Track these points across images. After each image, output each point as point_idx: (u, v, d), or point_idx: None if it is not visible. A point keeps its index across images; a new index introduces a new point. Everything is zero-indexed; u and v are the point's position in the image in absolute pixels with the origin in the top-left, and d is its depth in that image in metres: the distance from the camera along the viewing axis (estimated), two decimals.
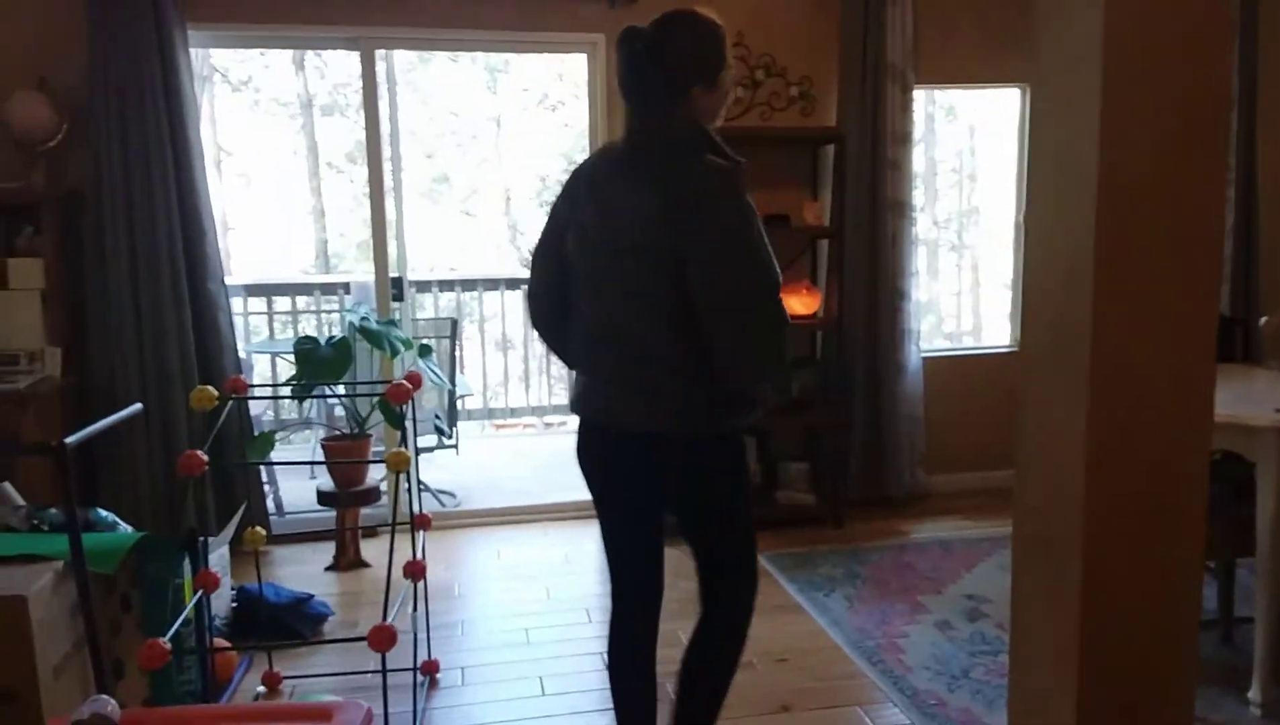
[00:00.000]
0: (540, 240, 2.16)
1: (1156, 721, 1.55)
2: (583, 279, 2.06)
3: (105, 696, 1.98)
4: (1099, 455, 1.62)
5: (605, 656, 2.39)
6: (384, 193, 4.30)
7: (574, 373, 2.18)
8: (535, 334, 2.29)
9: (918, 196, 4.58)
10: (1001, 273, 5.26)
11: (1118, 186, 1.55)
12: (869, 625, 3.29)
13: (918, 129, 4.62)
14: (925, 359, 4.66)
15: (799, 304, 4.43)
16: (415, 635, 2.74)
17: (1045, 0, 1.68)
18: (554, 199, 2.17)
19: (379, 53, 4.28)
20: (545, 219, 2.18)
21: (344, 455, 3.91)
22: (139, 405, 2.65)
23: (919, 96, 4.65)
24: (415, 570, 2.71)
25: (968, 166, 7.32)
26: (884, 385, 4.57)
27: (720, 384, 1.97)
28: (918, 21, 4.43)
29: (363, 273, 4.95)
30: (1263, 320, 3.72)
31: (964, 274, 7.37)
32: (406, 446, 2.60)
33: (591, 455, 2.21)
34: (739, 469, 2.13)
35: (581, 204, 2.06)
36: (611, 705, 2.23)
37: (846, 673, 2.97)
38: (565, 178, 2.15)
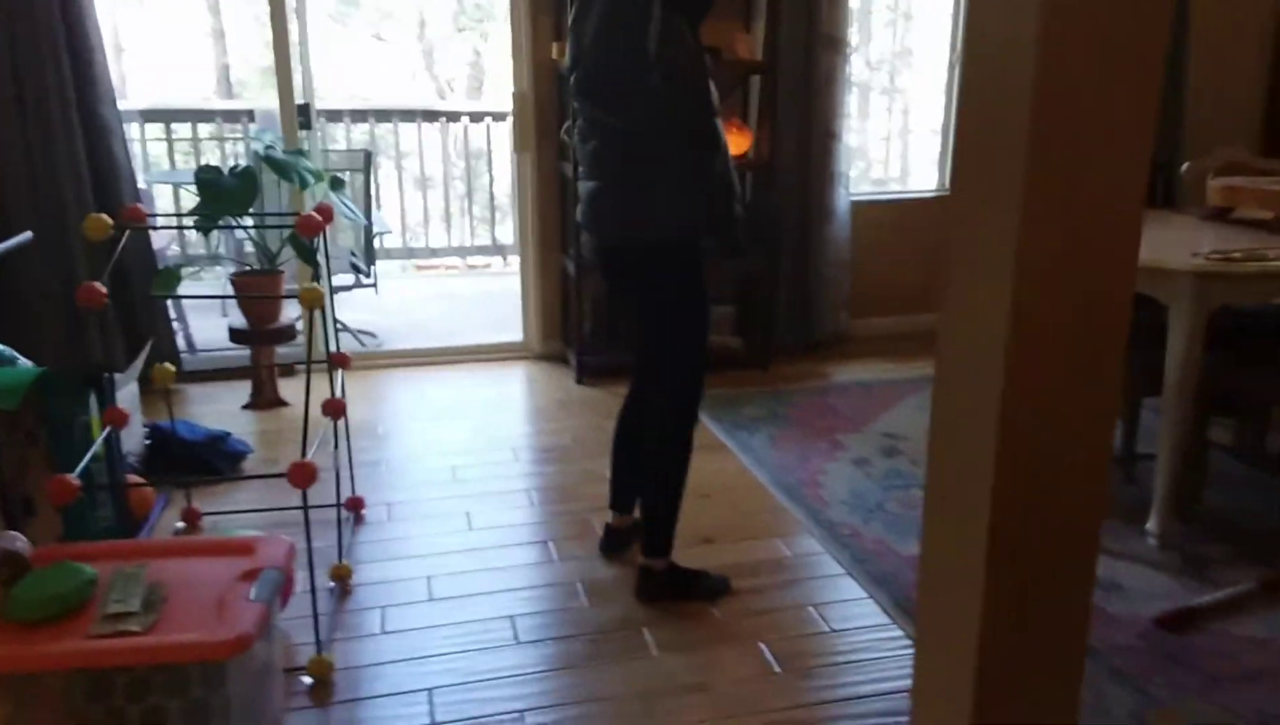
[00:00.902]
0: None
1: (1069, 547, 1.61)
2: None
3: (14, 533, 1.91)
4: (1026, 288, 1.60)
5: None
6: (286, 13, 3.98)
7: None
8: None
9: (853, 35, 4.43)
10: (932, 118, 5.19)
11: (1058, 9, 1.48)
12: (790, 463, 3.37)
13: None
14: (853, 203, 4.63)
15: (729, 143, 4.32)
16: (338, 472, 2.71)
17: None
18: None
19: None
20: None
21: (255, 291, 3.76)
22: (28, 233, 2.47)
23: None
24: (334, 408, 2.64)
25: (903, 5, 7.13)
26: (812, 229, 4.55)
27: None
28: None
29: (268, 101, 4.65)
30: (1184, 166, 3.76)
31: (894, 118, 7.29)
32: (320, 282, 2.49)
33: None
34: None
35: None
36: None
37: (767, 507, 3.05)
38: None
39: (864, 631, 2.36)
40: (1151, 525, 2.78)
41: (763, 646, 2.29)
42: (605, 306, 4.42)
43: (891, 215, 4.85)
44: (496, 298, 5.44)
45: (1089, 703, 2.07)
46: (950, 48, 4.87)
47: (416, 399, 4.05)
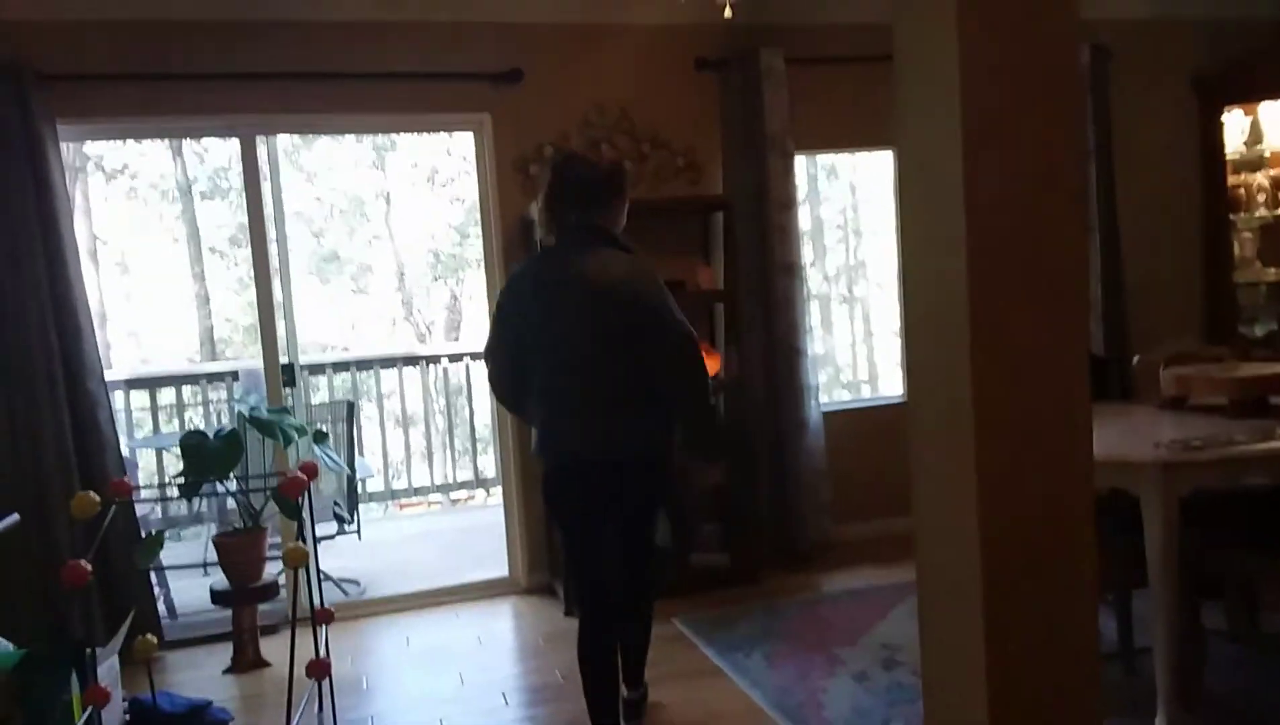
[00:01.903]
0: (495, 336, 2.85)
1: None
2: (550, 353, 2.73)
3: None
4: (990, 497, 1.67)
5: (579, 648, 2.81)
6: (270, 276, 4.21)
7: (541, 425, 2.79)
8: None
9: (807, 253, 4.72)
10: (892, 322, 5.43)
11: (983, 240, 1.63)
12: (789, 683, 3.29)
13: (802, 190, 4.80)
14: (825, 413, 4.76)
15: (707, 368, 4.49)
16: None
17: (905, 65, 1.76)
18: (501, 302, 2.85)
19: (260, 137, 4.21)
20: (493, 321, 2.88)
21: (238, 551, 3.75)
22: (15, 516, 2.50)
23: (801, 160, 4.81)
24: (318, 669, 2.60)
25: (852, 222, 7.60)
26: (787, 441, 4.65)
27: (672, 417, 2.79)
28: (792, 96, 4.57)
29: (251, 358, 4.82)
30: (1135, 359, 3.93)
31: (856, 325, 7.60)
32: (304, 539, 2.51)
33: (571, 484, 2.79)
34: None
35: (532, 300, 2.75)
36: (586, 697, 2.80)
37: None
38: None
39: None
40: (1160, 720, 2.71)
41: None
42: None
43: (863, 421, 4.97)
44: (480, 532, 5.42)
45: None
46: (899, 259, 5.16)
47: (401, 647, 3.96)
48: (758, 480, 4.61)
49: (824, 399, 4.81)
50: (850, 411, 5.01)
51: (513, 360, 2.80)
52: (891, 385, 5.48)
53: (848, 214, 8.42)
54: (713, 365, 4.50)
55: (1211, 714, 2.80)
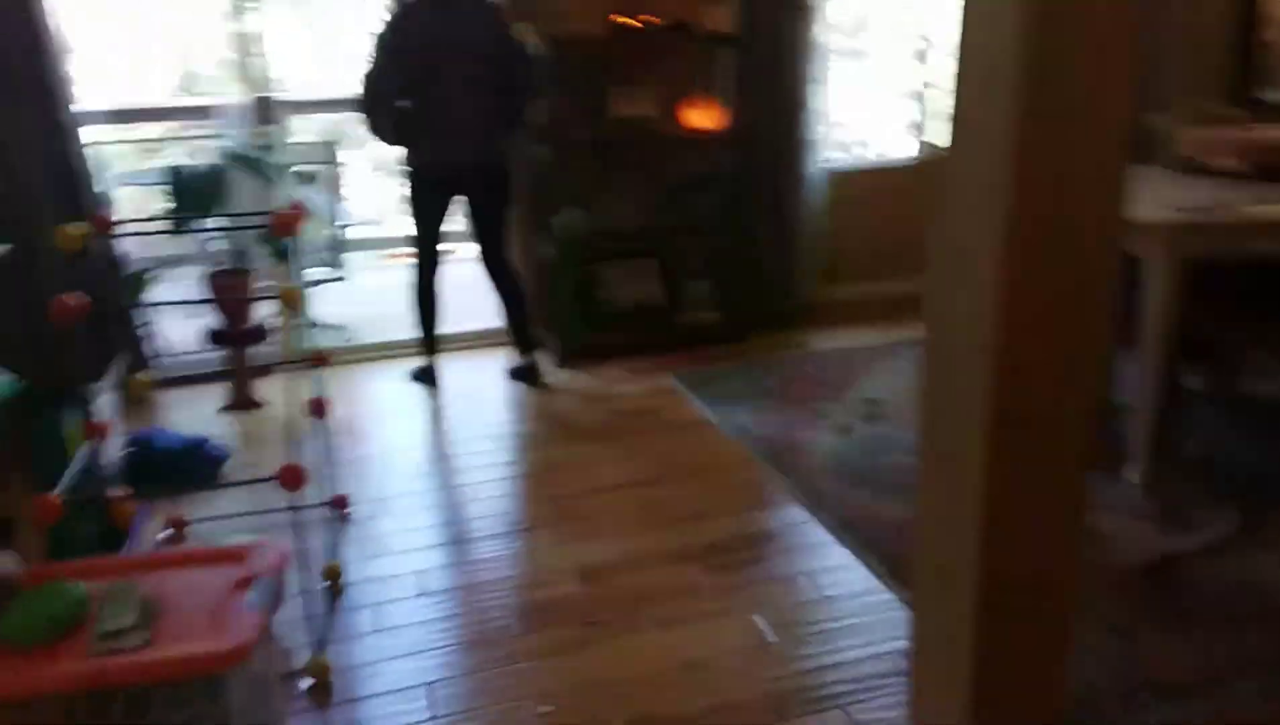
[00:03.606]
0: (379, 66, 3.48)
1: (1061, 498, 1.63)
2: (425, 73, 3.49)
3: (3, 553, 1.89)
4: (1017, 250, 1.61)
5: (414, 295, 3.88)
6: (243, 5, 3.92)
7: (416, 146, 3.62)
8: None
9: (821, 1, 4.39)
10: (905, 82, 5.16)
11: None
12: (774, 434, 3.38)
13: None
14: (826, 171, 4.62)
15: (701, 117, 4.30)
16: (320, 472, 2.70)
17: None
18: (384, 37, 3.49)
19: None
20: (379, 52, 3.49)
21: (229, 291, 3.72)
22: (7, 245, 2.42)
23: None
24: (319, 408, 2.63)
25: None
26: (785, 198, 4.54)
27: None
28: None
29: (224, 97, 4.57)
30: (1153, 118, 3.77)
31: (860, 82, 7.24)
32: (295, 280, 2.46)
33: (441, 182, 3.69)
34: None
35: (418, 29, 3.48)
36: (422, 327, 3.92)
37: (755, 479, 3.07)
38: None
39: (856, 597, 2.39)
40: (1131, 472, 2.81)
41: (757, 618, 2.31)
42: (582, 290, 4.41)
43: (865, 182, 4.84)
44: (469, 285, 5.39)
45: (1076, 653, 2.11)
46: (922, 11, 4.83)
47: (389, 392, 4.03)
48: (753, 239, 4.54)
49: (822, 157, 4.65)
50: (850, 172, 4.86)
51: (390, 87, 3.49)
52: (893, 148, 5.27)
53: None
54: (715, 117, 4.31)
55: (1182, 472, 2.91)
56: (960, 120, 1.70)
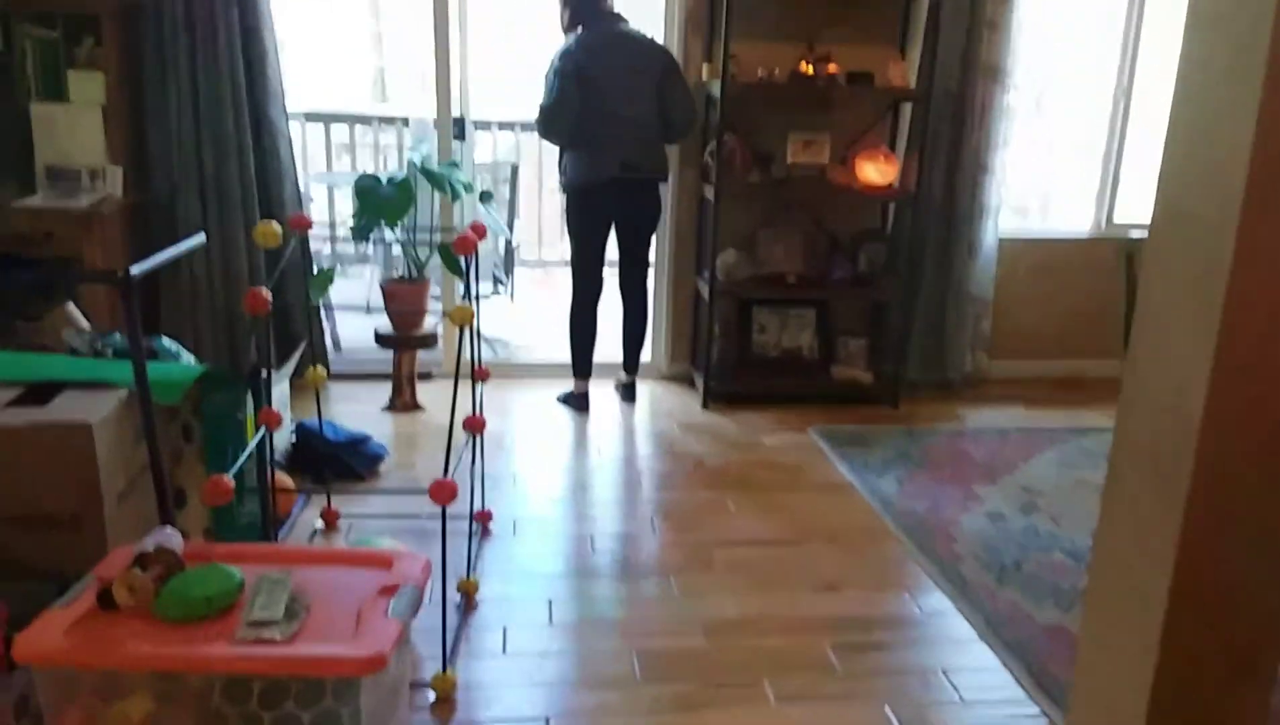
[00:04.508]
0: (561, 90, 3.73)
1: (1245, 670, 1.49)
2: (595, 103, 3.75)
3: (170, 529, 2.01)
4: (1228, 372, 1.47)
5: (573, 320, 4.08)
6: (448, 22, 4.09)
7: (585, 157, 3.83)
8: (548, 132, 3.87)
9: (1012, 63, 4.25)
10: (1091, 145, 4.91)
11: None
12: (921, 510, 3.26)
13: None
14: (1000, 240, 4.46)
15: (874, 172, 4.23)
16: (471, 486, 2.76)
17: None
18: (562, 67, 3.74)
19: None
20: (558, 80, 3.73)
21: (403, 298, 3.88)
22: (202, 236, 2.59)
23: None
24: (475, 424, 2.70)
25: (1059, 29, 6.82)
26: (954, 263, 4.40)
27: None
28: None
29: (421, 107, 4.79)
30: None
31: (1039, 148, 6.94)
32: (468, 298, 2.53)
33: (609, 199, 3.88)
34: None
35: (590, 64, 3.74)
36: (574, 353, 4.11)
37: (895, 556, 2.96)
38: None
39: (996, 705, 2.25)
40: None
41: (888, 709, 2.22)
42: (734, 333, 4.40)
43: (1039, 254, 4.65)
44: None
45: None
46: (1120, 71, 4.60)
47: (543, 410, 4.10)
48: (916, 300, 4.42)
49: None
50: (1025, 242, 4.66)
51: (566, 115, 3.73)
52: (1066, 217, 5.03)
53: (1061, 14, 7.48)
54: (889, 173, 4.23)
55: None
56: (1166, 210, 1.58)
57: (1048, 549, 3.02)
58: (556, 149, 3.94)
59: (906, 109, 4.32)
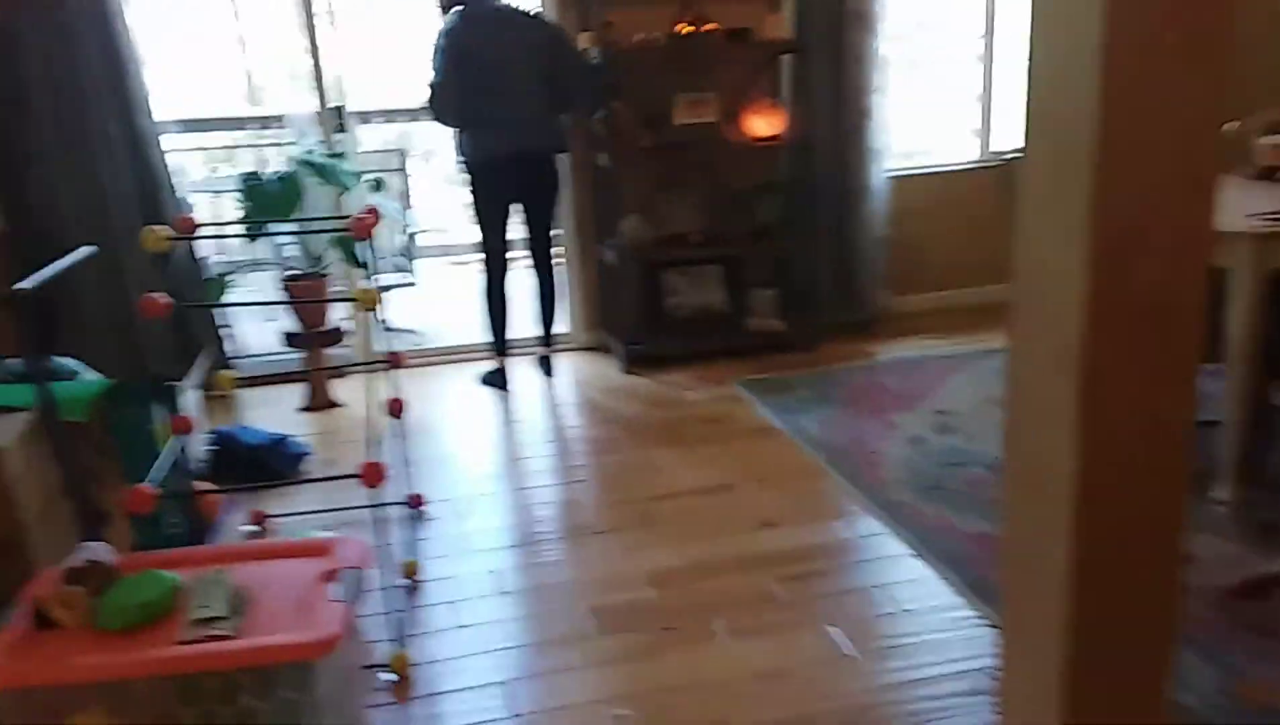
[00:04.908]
0: (445, 67, 3.71)
1: (1156, 519, 1.59)
2: (483, 81, 3.73)
3: (100, 544, 1.95)
4: (1102, 258, 1.56)
5: (485, 299, 4.03)
6: (314, 17, 4.00)
7: (478, 135, 3.80)
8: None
9: (879, 8, 4.36)
10: (965, 87, 5.09)
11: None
12: (844, 443, 3.36)
13: None
14: (891, 178, 4.59)
15: (762, 125, 4.30)
16: (397, 470, 2.73)
17: None
18: (445, 45, 3.72)
19: None
20: (441, 55, 3.72)
21: (306, 295, 3.79)
22: (93, 247, 2.50)
23: None
24: (396, 407, 2.67)
25: None
26: (849, 208, 4.52)
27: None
28: None
29: (296, 106, 4.68)
30: (1225, 126, 3.69)
31: (916, 90, 7.13)
32: (369, 283, 2.50)
33: (507, 176, 3.87)
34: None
35: (473, 41, 3.71)
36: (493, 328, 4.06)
37: (825, 489, 3.04)
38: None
39: (936, 612, 2.35)
40: (1220, 492, 2.74)
41: (833, 630, 2.29)
42: (646, 297, 4.43)
43: (928, 188, 4.80)
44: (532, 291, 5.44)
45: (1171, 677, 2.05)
46: (986, 15, 4.77)
47: (460, 394, 4.07)
48: (818, 247, 4.52)
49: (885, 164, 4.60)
50: (915, 177, 4.80)
51: (454, 93, 3.71)
52: (956, 154, 5.20)
53: None
54: (776, 124, 4.30)
55: (1272, 492, 2.82)
56: (1035, 125, 1.66)
57: (966, 465, 3.15)
58: (452, 132, 3.89)
59: (787, 61, 4.40)
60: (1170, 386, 1.60)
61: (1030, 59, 1.73)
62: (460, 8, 3.76)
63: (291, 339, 3.85)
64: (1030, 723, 1.70)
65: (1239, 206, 2.77)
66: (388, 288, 4.80)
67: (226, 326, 4.28)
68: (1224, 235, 2.60)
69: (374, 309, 2.36)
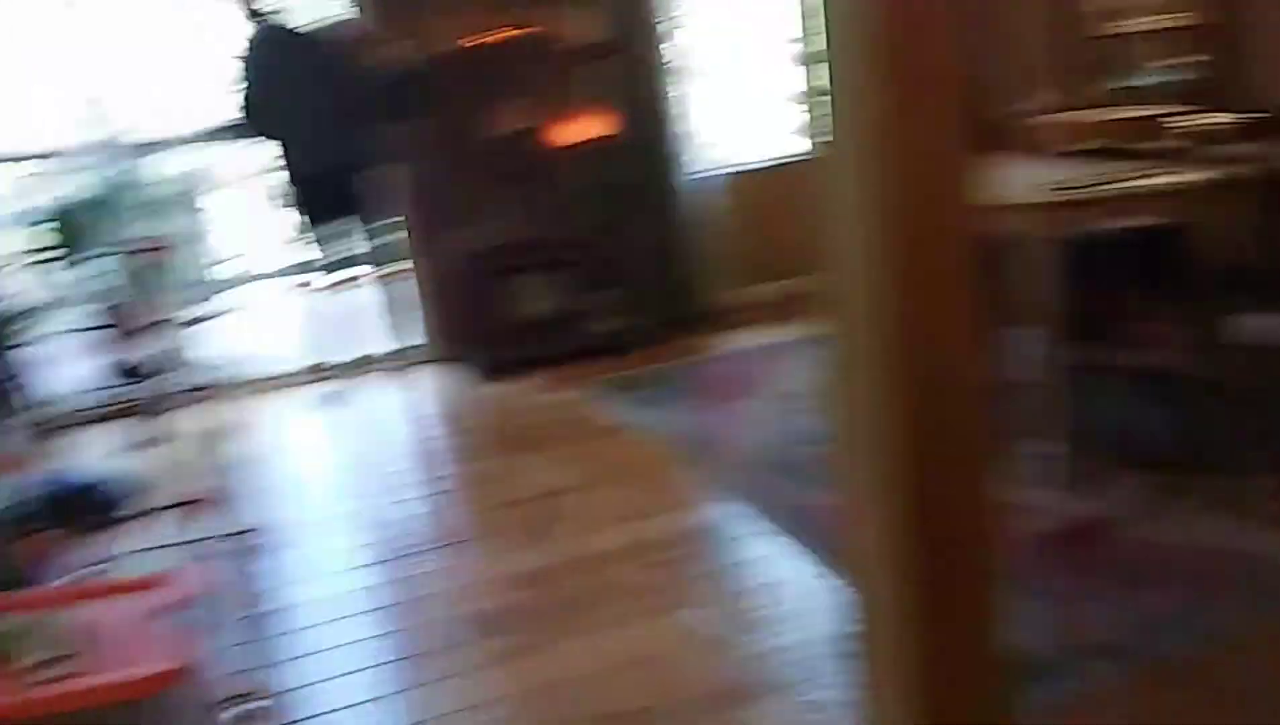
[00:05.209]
0: (250, 74, 3.87)
1: (966, 470, 1.69)
2: (287, 92, 3.87)
3: None
4: (890, 238, 1.63)
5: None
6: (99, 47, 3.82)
7: (287, 151, 3.93)
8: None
9: (683, 15, 4.52)
10: (782, 89, 5.29)
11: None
12: (694, 433, 3.42)
13: None
14: (726, 175, 4.71)
15: (577, 130, 4.35)
16: (234, 501, 2.60)
17: None
18: (247, 58, 3.89)
19: None
20: (244, 68, 3.88)
21: (120, 324, 3.55)
22: None
23: None
24: (222, 438, 2.54)
25: None
26: (675, 206, 4.63)
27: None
28: None
29: (80, 137, 4.36)
30: (1007, 111, 3.95)
31: (737, 89, 7.33)
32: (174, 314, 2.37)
33: (323, 190, 3.96)
34: None
35: (269, 59, 3.88)
36: None
37: (681, 478, 3.10)
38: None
39: (796, 583, 2.40)
40: (1031, 446, 2.93)
41: (699, 610, 2.32)
42: (491, 306, 4.40)
43: (759, 186, 4.93)
44: (354, 311, 5.28)
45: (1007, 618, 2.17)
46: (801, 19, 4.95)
47: (281, 422, 3.92)
48: (649, 247, 4.59)
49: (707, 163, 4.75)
50: (749, 174, 4.92)
51: (260, 98, 3.82)
52: (778, 150, 5.40)
53: None
54: (599, 127, 4.36)
55: (1079, 439, 3.04)
56: (836, 119, 1.74)
57: (812, 442, 3.26)
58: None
59: (608, 64, 4.46)
60: (960, 345, 1.71)
61: (829, 64, 1.82)
62: (261, 22, 3.88)
63: (109, 373, 3.59)
64: (886, 674, 1.78)
65: (1031, 180, 3.00)
66: (200, 320, 4.54)
67: (27, 369, 3.96)
68: (1019, 206, 2.80)
69: (182, 336, 2.23)
